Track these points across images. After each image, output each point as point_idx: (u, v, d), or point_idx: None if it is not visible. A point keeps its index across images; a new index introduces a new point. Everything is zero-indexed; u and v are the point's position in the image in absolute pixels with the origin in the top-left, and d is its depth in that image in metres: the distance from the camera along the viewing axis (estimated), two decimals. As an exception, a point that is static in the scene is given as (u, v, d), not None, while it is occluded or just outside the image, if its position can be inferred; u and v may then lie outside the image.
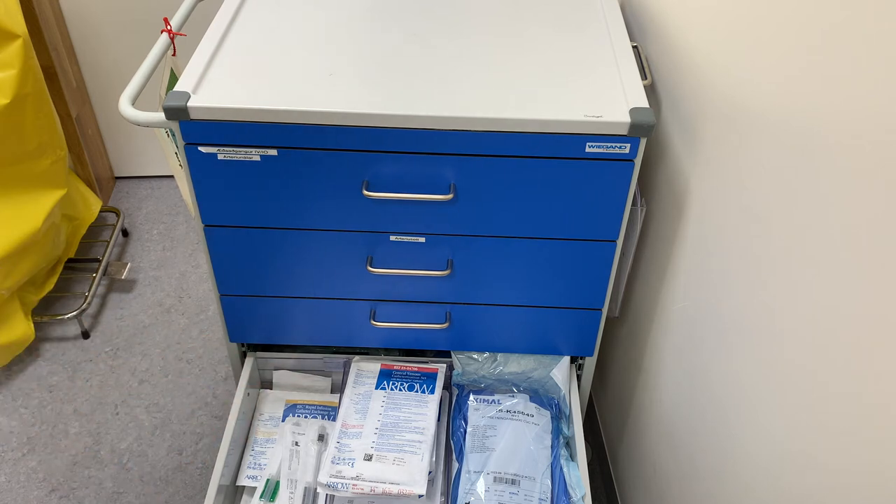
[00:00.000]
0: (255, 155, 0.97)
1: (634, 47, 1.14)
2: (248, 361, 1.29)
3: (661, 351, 1.13)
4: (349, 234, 1.06)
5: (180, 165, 1.08)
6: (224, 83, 0.96)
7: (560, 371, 1.24)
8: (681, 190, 1.03)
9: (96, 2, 1.90)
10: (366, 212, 1.03)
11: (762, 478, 0.80)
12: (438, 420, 1.20)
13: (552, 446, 1.17)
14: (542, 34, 1.09)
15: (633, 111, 0.93)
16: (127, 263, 1.91)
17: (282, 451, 1.20)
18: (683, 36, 1.00)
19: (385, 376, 1.25)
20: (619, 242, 1.06)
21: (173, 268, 1.98)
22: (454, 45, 1.06)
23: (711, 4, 0.91)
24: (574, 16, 1.15)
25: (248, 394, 1.27)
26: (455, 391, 1.27)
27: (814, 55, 0.67)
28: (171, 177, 2.28)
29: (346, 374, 1.27)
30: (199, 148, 0.97)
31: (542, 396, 1.24)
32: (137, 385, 1.68)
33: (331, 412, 1.27)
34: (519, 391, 1.24)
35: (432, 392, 1.22)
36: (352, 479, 1.10)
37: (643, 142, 0.94)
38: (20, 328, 1.63)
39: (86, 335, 1.79)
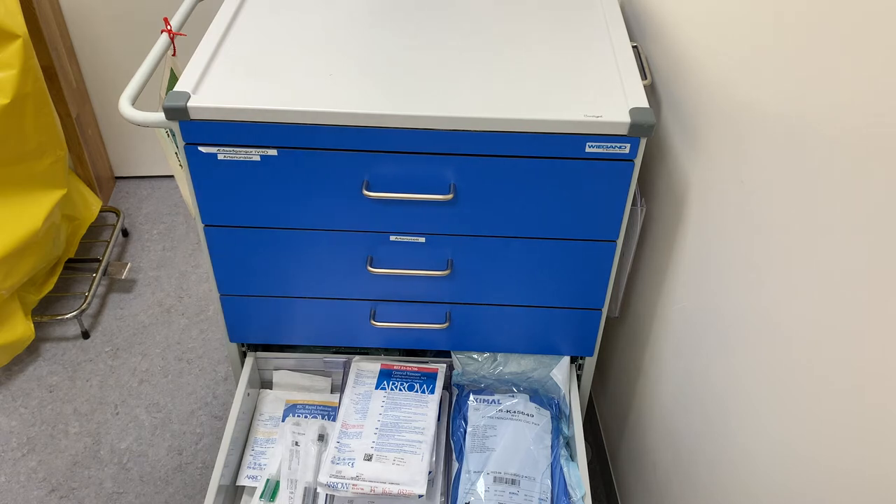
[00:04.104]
0: (255, 155, 0.97)
1: (634, 47, 1.14)
2: (248, 361, 1.29)
3: (661, 351, 1.13)
4: (349, 234, 1.06)
5: (180, 165, 1.08)
6: (224, 83, 0.96)
7: (560, 371, 1.24)
8: (681, 190, 1.03)
9: (96, 2, 1.90)
10: (366, 212, 1.03)
11: (762, 477, 0.80)
12: (438, 420, 1.20)
13: (552, 446, 1.17)
14: (542, 34, 1.09)
15: (633, 111, 0.93)
16: (127, 263, 1.91)
17: (282, 451, 1.20)
18: (683, 36, 1.00)
19: (385, 376, 1.25)
20: (619, 242, 1.06)
21: (173, 268, 1.98)
22: (454, 45, 1.06)
23: (711, 4, 0.91)
24: (574, 16, 1.15)
25: (248, 394, 1.27)
26: (455, 391, 1.27)
27: (814, 55, 0.67)
28: (171, 177, 2.28)
29: (346, 374, 1.27)
30: (199, 148, 0.97)
31: (542, 396, 1.24)
32: (137, 385, 1.68)
33: (331, 412, 1.27)
34: (519, 391, 1.24)
35: (432, 392, 1.22)
36: (352, 479, 1.10)
37: (643, 142, 0.94)
38: (20, 328, 1.63)
39: (86, 335, 1.79)
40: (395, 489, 1.09)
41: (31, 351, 1.75)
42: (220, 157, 0.97)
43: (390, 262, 1.09)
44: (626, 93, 0.96)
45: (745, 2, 0.81)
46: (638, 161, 0.96)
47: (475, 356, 1.25)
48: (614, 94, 0.97)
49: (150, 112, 0.97)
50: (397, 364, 1.27)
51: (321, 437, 1.22)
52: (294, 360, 1.31)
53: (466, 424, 1.19)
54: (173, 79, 1.16)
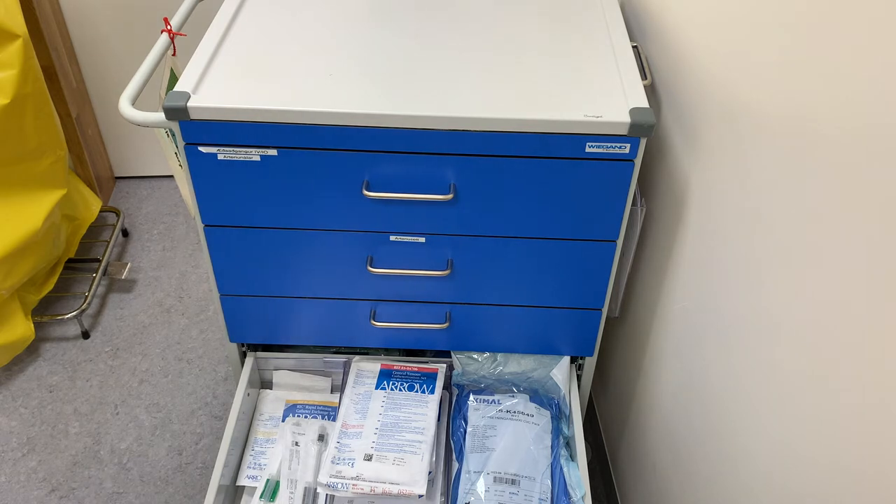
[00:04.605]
0: (255, 155, 0.97)
1: (634, 47, 1.14)
2: (248, 361, 1.29)
3: (661, 351, 1.13)
4: (349, 234, 1.06)
5: (180, 165, 1.08)
6: (224, 83, 0.96)
7: (560, 371, 1.24)
8: (681, 190, 1.03)
9: (96, 2, 1.90)
10: (366, 212, 1.03)
11: (762, 477, 0.80)
12: (438, 420, 1.20)
13: (552, 446, 1.17)
14: (541, 34, 1.09)
15: (633, 111, 0.93)
16: (127, 263, 1.91)
17: (282, 451, 1.20)
18: (683, 36, 1.00)
19: (385, 376, 1.25)
20: (619, 242, 1.06)
21: (173, 268, 1.98)
22: (454, 45, 1.06)
23: (711, 4, 0.91)
24: (574, 16, 1.15)
25: (248, 394, 1.27)
26: (455, 391, 1.27)
27: (814, 55, 0.67)
28: (171, 177, 2.28)
29: (346, 374, 1.27)
30: (199, 148, 0.97)
31: (542, 396, 1.24)
32: (137, 385, 1.68)
33: (331, 412, 1.27)
34: (519, 391, 1.24)
35: (432, 392, 1.22)
36: (352, 479, 1.11)
37: (643, 142, 0.94)
38: (20, 328, 1.63)
39: (86, 335, 1.79)
40: (395, 489, 1.09)
41: (31, 351, 1.75)
42: (220, 157, 0.97)
43: (390, 262, 1.09)
44: (626, 93, 0.96)
45: (745, 2, 0.81)
46: (638, 161, 0.96)
47: (475, 356, 1.25)
48: (614, 94, 0.97)
49: (150, 112, 0.97)
50: (397, 364, 1.27)
51: (321, 437, 1.22)
52: (294, 360, 1.31)
53: (466, 424, 1.19)
54: (173, 79, 1.16)
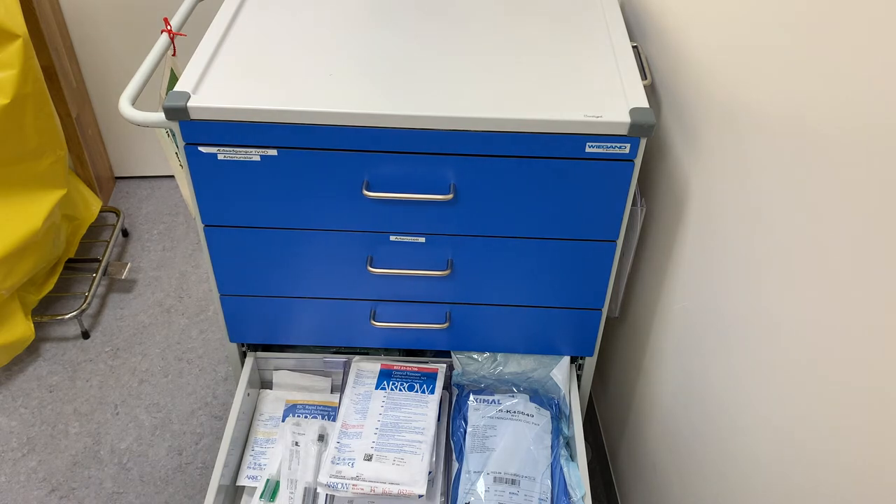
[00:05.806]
0: (255, 155, 0.97)
1: (634, 47, 1.14)
2: (248, 361, 1.29)
3: (661, 351, 1.13)
4: (349, 234, 1.06)
5: (180, 165, 1.08)
6: (224, 83, 0.96)
7: (560, 371, 1.24)
8: (681, 190, 1.03)
9: (96, 2, 1.90)
10: (366, 212, 1.03)
11: (763, 477, 0.80)
12: (438, 420, 1.20)
13: (552, 446, 1.17)
14: (542, 34, 1.09)
15: (633, 111, 0.93)
16: (127, 263, 1.91)
17: (282, 451, 1.20)
18: (683, 36, 1.00)
19: (385, 376, 1.25)
20: (619, 242, 1.06)
21: (173, 268, 1.98)
22: (454, 45, 1.06)
23: (711, 4, 0.91)
24: (574, 16, 1.15)
25: (248, 394, 1.27)
26: (455, 391, 1.27)
27: (814, 55, 0.67)
28: (171, 177, 2.28)
29: (346, 374, 1.27)
30: (199, 148, 0.97)
31: (542, 396, 1.24)
32: (137, 385, 1.68)
33: (331, 412, 1.27)
34: (519, 391, 1.24)
35: (432, 392, 1.22)
36: (352, 479, 1.11)
37: (643, 142, 0.94)
38: (20, 328, 1.63)
39: (86, 335, 1.79)
40: (395, 489, 1.09)
41: (31, 351, 1.75)
42: (220, 157, 0.97)
43: (390, 262, 1.09)
44: (626, 93, 0.96)
45: (745, 2, 0.81)
46: (638, 161, 0.96)
47: (475, 356, 1.25)
48: (614, 94, 0.97)
49: (150, 112, 0.97)
50: (397, 364, 1.27)
51: (321, 437, 1.22)
52: (294, 360, 1.31)
53: (466, 424, 1.19)
54: (173, 79, 1.16)
